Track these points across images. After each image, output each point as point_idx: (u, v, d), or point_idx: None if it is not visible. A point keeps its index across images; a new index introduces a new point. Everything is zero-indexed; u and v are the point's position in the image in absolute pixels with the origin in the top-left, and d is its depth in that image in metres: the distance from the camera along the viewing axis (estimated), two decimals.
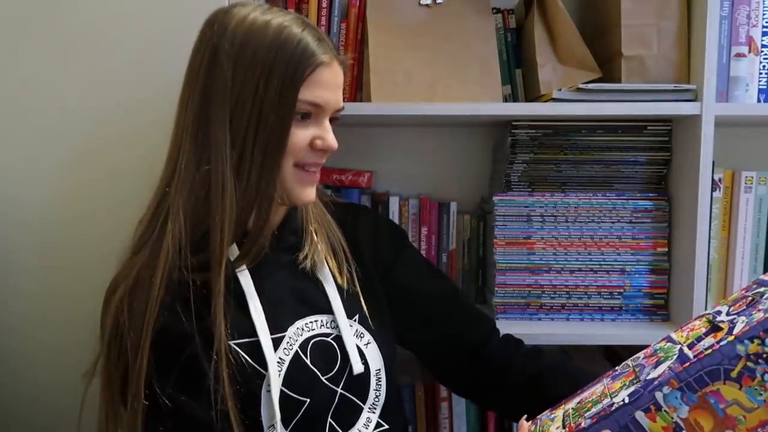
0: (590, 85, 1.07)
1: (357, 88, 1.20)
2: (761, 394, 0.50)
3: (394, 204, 1.25)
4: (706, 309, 1.13)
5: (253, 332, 0.75)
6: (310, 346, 0.78)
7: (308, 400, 0.76)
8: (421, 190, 1.35)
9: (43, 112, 1.32)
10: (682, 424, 0.52)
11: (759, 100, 1.11)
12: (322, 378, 0.77)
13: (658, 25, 1.09)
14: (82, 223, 1.32)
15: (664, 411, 0.53)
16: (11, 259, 1.35)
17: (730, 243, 1.19)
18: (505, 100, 1.21)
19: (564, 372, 0.86)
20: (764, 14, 1.10)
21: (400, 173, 1.36)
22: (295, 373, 0.76)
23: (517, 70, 1.23)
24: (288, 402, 0.74)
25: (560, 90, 1.08)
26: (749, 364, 0.51)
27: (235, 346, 0.74)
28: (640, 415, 0.54)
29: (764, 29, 1.10)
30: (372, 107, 1.09)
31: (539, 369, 0.87)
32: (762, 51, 1.11)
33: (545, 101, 1.10)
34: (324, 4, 1.17)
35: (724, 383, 0.52)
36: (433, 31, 1.13)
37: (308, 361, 0.77)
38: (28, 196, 1.33)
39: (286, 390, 0.75)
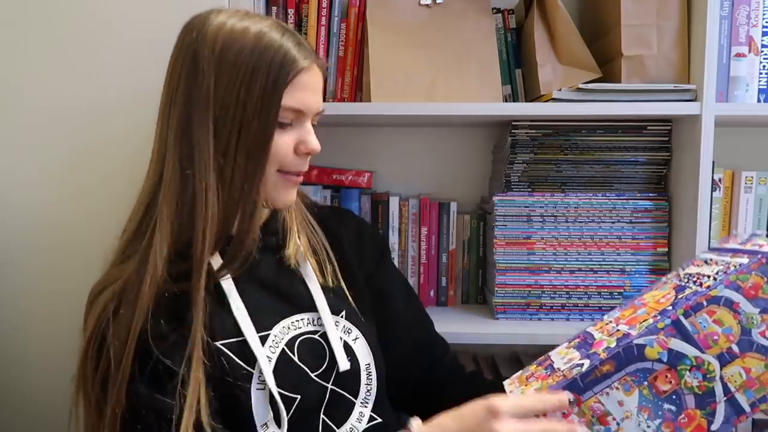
0: (590, 85, 1.07)
1: (357, 88, 1.20)
2: (666, 286, 0.72)
3: (394, 204, 1.25)
4: None
5: (238, 332, 0.75)
6: (297, 344, 0.79)
7: (299, 396, 0.76)
8: (421, 190, 1.35)
9: (37, 113, 1.31)
10: (612, 321, 0.71)
11: (759, 100, 1.11)
12: (312, 375, 0.78)
13: (658, 25, 1.09)
14: (77, 223, 1.32)
15: (604, 319, 0.73)
16: (6, 258, 1.35)
17: None
18: (505, 100, 1.21)
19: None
20: (764, 14, 1.10)
21: (400, 173, 1.36)
22: (283, 370, 0.76)
23: (517, 70, 1.23)
24: (280, 399, 0.74)
25: (560, 90, 1.08)
26: (666, 280, 0.75)
27: (221, 347, 0.74)
28: (589, 328, 0.73)
29: (764, 29, 1.10)
30: (372, 107, 1.09)
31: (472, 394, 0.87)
32: (762, 51, 1.11)
33: (545, 101, 1.10)
34: (324, 4, 1.17)
35: (648, 292, 0.74)
36: (433, 31, 1.13)
37: (296, 359, 0.78)
38: (22, 197, 1.33)
39: (276, 387, 0.75)
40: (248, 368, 0.74)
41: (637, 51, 1.09)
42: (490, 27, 1.16)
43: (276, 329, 0.78)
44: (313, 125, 0.81)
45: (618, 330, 0.67)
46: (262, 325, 0.77)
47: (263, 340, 0.77)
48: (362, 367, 0.81)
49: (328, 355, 0.79)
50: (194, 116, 0.73)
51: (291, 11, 1.19)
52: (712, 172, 1.10)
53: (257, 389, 0.74)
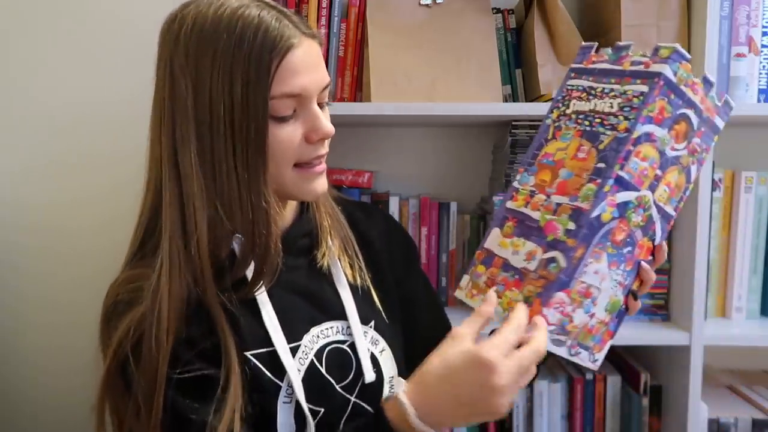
0: None
1: (357, 88, 1.20)
2: (568, 134, 0.70)
3: (394, 204, 1.25)
4: (706, 309, 1.13)
5: (268, 342, 0.71)
6: (325, 353, 0.75)
7: (323, 409, 0.72)
8: (421, 190, 1.35)
9: (43, 114, 1.32)
10: (534, 189, 0.70)
11: (759, 100, 1.11)
12: (337, 386, 0.74)
13: (658, 25, 1.09)
14: (81, 228, 1.32)
15: (521, 189, 0.71)
16: (14, 262, 1.34)
17: (730, 243, 1.19)
18: (505, 100, 1.21)
19: None
20: (764, 14, 1.10)
21: (400, 173, 1.36)
22: (311, 382, 0.72)
23: (517, 70, 1.23)
24: (303, 413, 0.71)
25: None
26: (556, 124, 0.72)
27: (251, 357, 0.70)
28: (510, 204, 0.72)
29: (764, 29, 1.10)
30: (372, 107, 1.09)
31: None
32: (762, 51, 1.11)
33: (545, 101, 1.10)
34: (324, 4, 1.17)
35: (546, 145, 0.72)
36: (433, 31, 1.13)
37: (323, 370, 0.74)
38: (33, 199, 1.33)
39: (301, 400, 0.71)
40: (277, 381, 0.71)
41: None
42: (490, 27, 1.16)
43: (306, 339, 0.74)
44: (322, 104, 0.73)
45: (560, 205, 0.67)
46: (293, 334, 0.73)
47: (294, 350, 0.73)
48: (386, 379, 0.78)
49: (354, 366, 0.76)
50: (178, 134, 0.67)
51: (290, 11, 1.18)
52: (712, 172, 1.10)
53: (284, 402, 0.70)
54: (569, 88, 0.73)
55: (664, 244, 0.70)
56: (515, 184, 0.73)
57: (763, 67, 1.11)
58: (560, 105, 0.73)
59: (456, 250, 1.28)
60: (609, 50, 0.71)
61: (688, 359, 1.08)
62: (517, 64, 1.23)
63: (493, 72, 1.13)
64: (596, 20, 1.22)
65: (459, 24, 1.14)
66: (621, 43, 0.70)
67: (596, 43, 0.73)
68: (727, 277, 1.19)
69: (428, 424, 0.63)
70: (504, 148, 1.20)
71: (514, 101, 1.22)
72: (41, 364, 1.34)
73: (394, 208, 1.25)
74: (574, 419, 1.22)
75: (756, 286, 1.19)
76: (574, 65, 0.74)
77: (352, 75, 1.19)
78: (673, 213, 0.69)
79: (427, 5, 1.14)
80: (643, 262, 0.68)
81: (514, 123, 1.15)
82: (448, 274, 1.27)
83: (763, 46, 1.11)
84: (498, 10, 1.21)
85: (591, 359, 0.68)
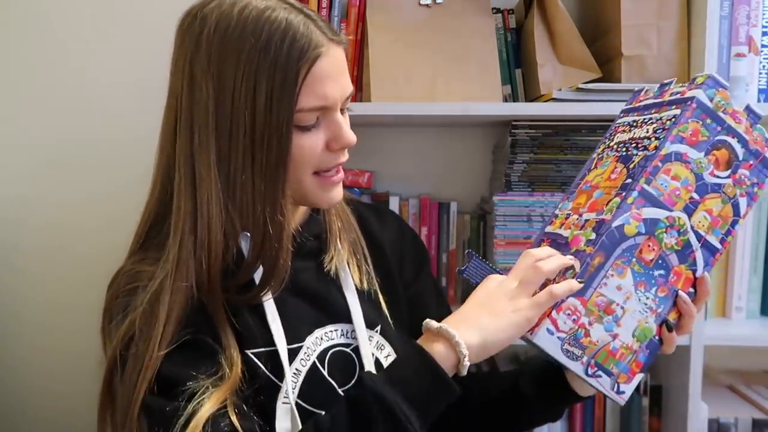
0: (590, 85, 1.07)
1: (357, 88, 1.20)
2: (607, 162, 0.73)
3: (394, 204, 1.25)
4: (706, 309, 1.13)
5: (270, 341, 0.71)
6: (328, 356, 0.75)
7: (323, 412, 0.71)
8: (421, 190, 1.35)
9: (52, 115, 1.32)
10: (570, 212, 0.72)
11: (759, 100, 1.11)
12: (339, 390, 0.74)
13: (658, 25, 1.09)
14: (90, 227, 1.32)
15: (560, 215, 0.74)
16: (18, 263, 1.34)
17: (730, 243, 1.18)
18: (505, 100, 1.21)
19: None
20: (764, 14, 1.10)
21: (400, 173, 1.36)
22: (311, 385, 0.72)
23: (517, 70, 1.23)
24: (303, 414, 0.71)
25: (560, 90, 1.08)
26: (599, 156, 0.76)
27: (251, 356, 0.70)
28: (548, 228, 0.75)
29: (764, 29, 1.10)
30: (372, 107, 1.09)
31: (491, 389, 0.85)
32: (762, 51, 1.11)
33: (545, 101, 1.10)
34: (324, 4, 1.17)
35: (588, 174, 0.75)
36: (433, 31, 1.13)
37: (325, 373, 0.74)
38: (34, 198, 1.33)
39: (301, 402, 0.71)
40: (276, 380, 0.70)
41: (637, 51, 1.09)
42: (490, 27, 1.16)
43: (309, 340, 0.74)
44: (343, 110, 0.72)
45: (588, 220, 0.68)
46: (296, 335, 0.73)
47: (296, 351, 0.72)
48: None
49: (357, 370, 0.75)
50: (196, 140, 0.65)
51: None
52: None
53: (283, 403, 0.70)
54: (617, 125, 0.76)
55: (707, 276, 0.68)
56: (556, 211, 0.75)
57: (763, 66, 1.11)
58: (606, 140, 0.77)
59: (456, 250, 1.28)
60: (655, 87, 0.75)
61: (688, 359, 1.08)
62: (517, 64, 1.23)
63: (493, 72, 1.13)
64: (596, 20, 1.22)
65: (459, 24, 1.14)
66: (665, 81, 0.73)
67: (645, 85, 0.77)
68: (727, 277, 1.19)
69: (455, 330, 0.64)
70: (504, 148, 1.20)
71: (514, 101, 1.22)
72: (39, 366, 1.34)
73: (394, 208, 1.25)
74: (574, 419, 1.22)
75: (756, 286, 1.19)
76: (624, 107, 0.78)
77: (352, 75, 1.18)
78: (719, 246, 0.68)
79: (427, 5, 1.14)
80: (681, 292, 0.67)
81: (514, 123, 1.15)
82: (448, 274, 1.27)
83: (763, 45, 1.11)
84: (498, 10, 1.21)
85: (615, 388, 0.65)
